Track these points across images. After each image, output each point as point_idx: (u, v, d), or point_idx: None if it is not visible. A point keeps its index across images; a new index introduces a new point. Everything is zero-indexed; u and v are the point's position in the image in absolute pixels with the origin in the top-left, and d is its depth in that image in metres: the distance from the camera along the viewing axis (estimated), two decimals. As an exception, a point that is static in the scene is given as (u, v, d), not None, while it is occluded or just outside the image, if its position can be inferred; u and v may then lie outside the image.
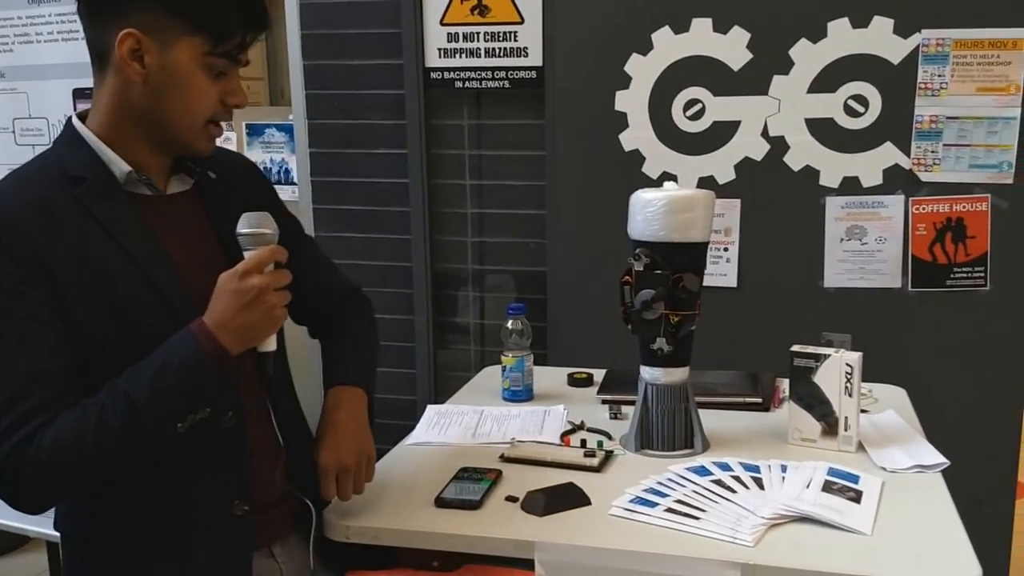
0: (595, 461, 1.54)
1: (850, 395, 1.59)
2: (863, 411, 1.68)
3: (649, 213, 1.55)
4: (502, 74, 2.60)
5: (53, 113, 2.16)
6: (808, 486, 1.43)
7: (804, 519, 1.33)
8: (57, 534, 2.39)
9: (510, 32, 2.58)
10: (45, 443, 1.11)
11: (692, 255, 1.57)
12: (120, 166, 1.24)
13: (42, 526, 2.44)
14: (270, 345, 1.23)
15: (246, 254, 1.20)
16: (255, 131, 3.14)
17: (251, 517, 1.31)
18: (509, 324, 1.91)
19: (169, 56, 1.19)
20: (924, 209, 2.36)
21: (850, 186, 2.39)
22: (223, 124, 1.30)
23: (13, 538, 3.06)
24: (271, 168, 3.00)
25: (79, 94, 2.11)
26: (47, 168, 1.23)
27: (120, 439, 1.13)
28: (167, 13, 1.18)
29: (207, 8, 1.19)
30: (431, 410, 1.84)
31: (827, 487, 1.42)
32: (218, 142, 1.32)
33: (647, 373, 1.61)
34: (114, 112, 1.23)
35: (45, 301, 1.15)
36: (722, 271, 2.50)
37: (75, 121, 1.26)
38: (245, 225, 1.21)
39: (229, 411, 1.28)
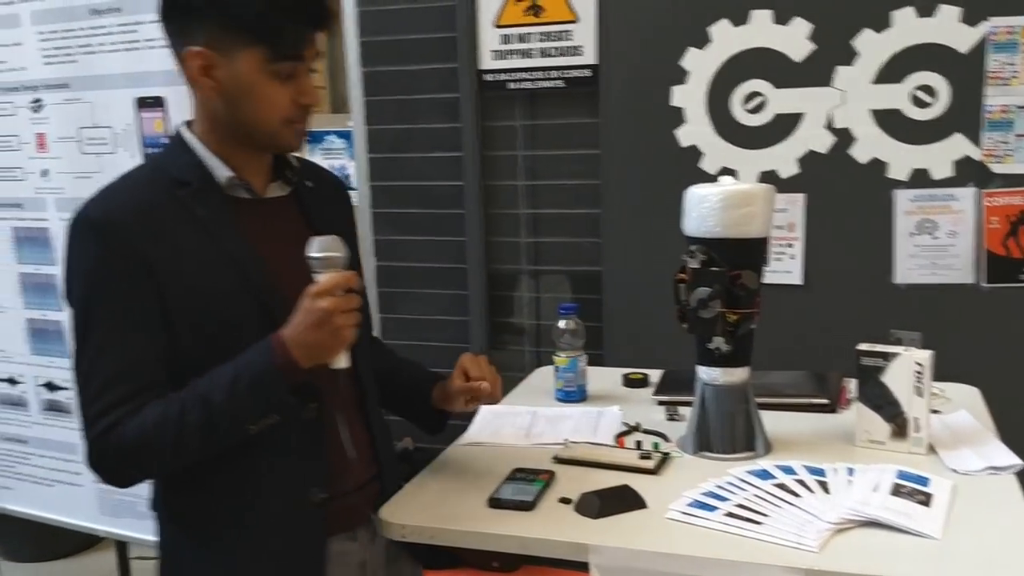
0: (651, 463, 1.51)
1: (920, 395, 1.53)
2: (934, 411, 1.62)
3: (704, 209, 1.51)
4: (556, 73, 2.59)
5: (117, 122, 2.20)
6: (876, 489, 1.37)
7: (871, 523, 1.28)
8: (126, 533, 2.46)
9: (564, 31, 2.56)
10: (129, 432, 1.20)
11: (750, 251, 1.53)
12: (222, 171, 1.31)
13: (112, 526, 2.50)
14: (341, 363, 1.27)
15: (316, 276, 1.24)
16: (315, 138, 3.18)
17: (329, 504, 1.36)
18: (561, 324, 1.88)
19: (235, 68, 1.25)
20: (997, 202, 2.27)
21: (920, 179, 2.32)
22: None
23: (85, 538, 3.14)
24: (331, 174, 3.03)
25: (142, 103, 2.15)
26: (155, 171, 1.33)
27: (195, 436, 1.22)
28: (225, 28, 1.23)
29: (260, 19, 1.23)
30: (484, 410, 1.82)
31: (896, 490, 1.37)
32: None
33: (704, 373, 1.57)
34: (206, 120, 1.32)
35: (146, 296, 1.23)
36: (787, 268, 2.44)
37: (183, 129, 1.35)
38: (315, 249, 1.25)
39: (312, 403, 1.33)
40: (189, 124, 1.35)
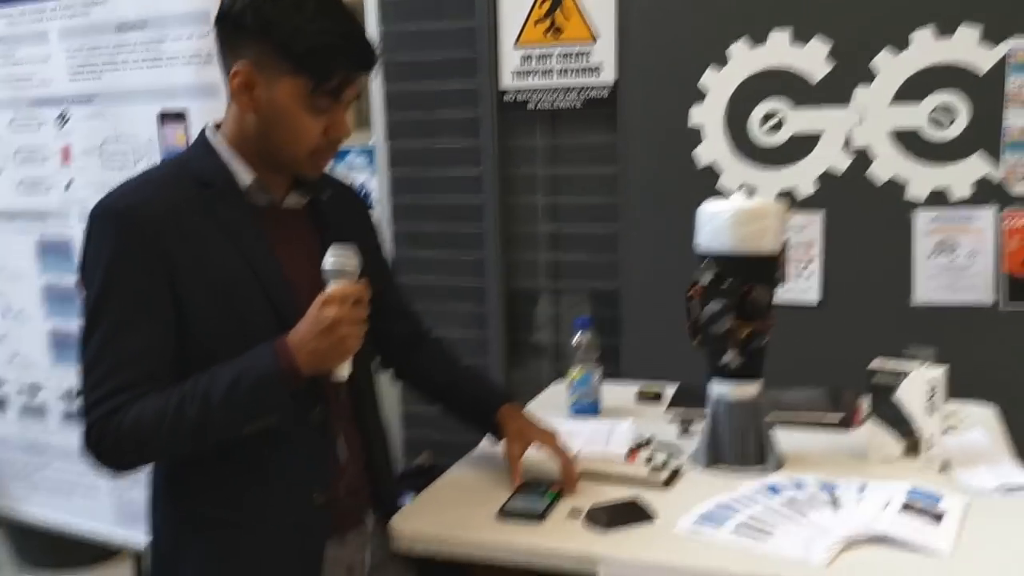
0: (662, 477, 1.51)
1: (933, 412, 1.52)
2: (949, 429, 1.60)
3: (716, 224, 1.52)
4: (575, 93, 2.60)
5: (140, 136, 2.23)
6: (887, 506, 1.37)
7: (881, 540, 1.27)
8: (143, 542, 2.46)
9: (583, 51, 2.58)
10: (128, 419, 1.22)
11: (762, 267, 1.53)
12: (244, 177, 1.35)
13: (130, 535, 2.51)
14: (342, 374, 1.29)
15: (329, 285, 1.26)
16: (338, 155, 3.21)
17: (328, 507, 1.37)
18: (576, 338, 1.89)
19: (275, 93, 1.28)
20: (1017, 223, 2.25)
21: (938, 199, 2.30)
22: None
23: (102, 549, 3.16)
24: (353, 191, 3.06)
25: (164, 117, 2.19)
26: (180, 170, 1.35)
27: (191, 429, 1.23)
28: (274, 53, 1.26)
29: (309, 51, 1.25)
30: (498, 424, 1.82)
31: (907, 507, 1.36)
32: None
33: (716, 388, 1.57)
34: (236, 130, 1.35)
35: (160, 290, 1.26)
36: (803, 287, 2.43)
37: (209, 132, 1.37)
38: (329, 259, 1.27)
39: (317, 406, 1.35)
40: (216, 127, 1.38)
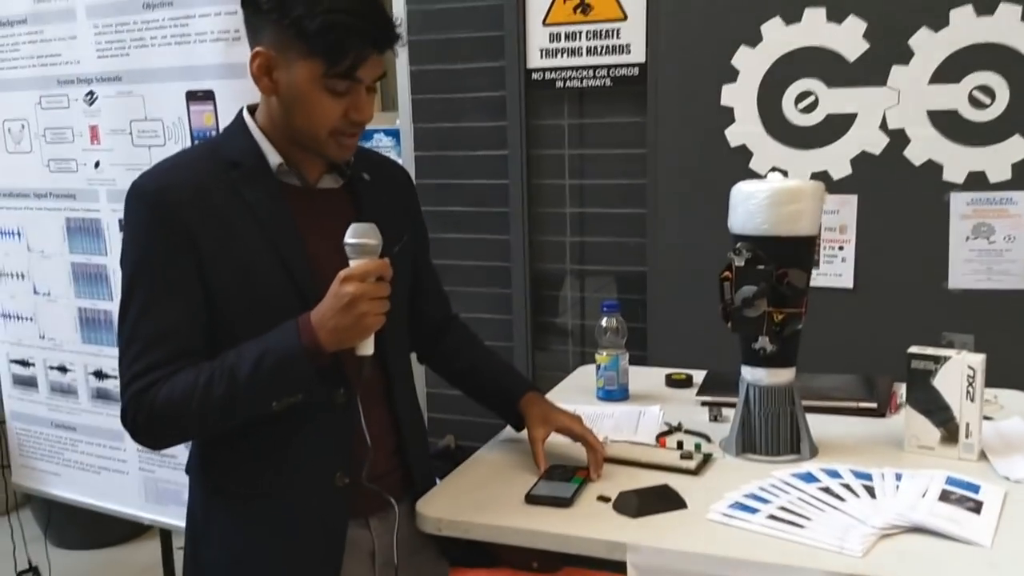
0: (692, 464, 1.48)
1: (972, 400, 1.49)
2: (987, 418, 1.57)
3: (752, 205, 1.48)
4: (604, 72, 2.57)
5: (168, 115, 2.22)
6: (924, 495, 1.34)
7: (918, 530, 1.25)
8: (170, 521, 2.49)
9: (613, 29, 2.55)
10: (160, 396, 1.26)
11: (798, 250, 1.50)
12: (274, 157, 1.35)
13: (156, 514, 2.54)
14: (366, 349, 1.28)
15: (351, 262, 1.25)
16: (364, 136, 3.19)
17: (351, 489, 1.37)
18: (603, 322, 1.87)
19: (293, 76, 1.27)
20: (1057, 205, 2.20)
21: (976, 181, 2.25)
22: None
23: (131, 527, 3.20)
24: (378, 172, 3.05)
25: (191, 96, 2.18)
26: (211, 152, 1.39)
27: (219, 406, 1.26)
28: (288, 36, 1.26)
29: (319, 32, 1.24)
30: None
31: (944, 496, 1.33)
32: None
33: (749, 374, 1.55)
34: (265, 113, 1.36)
35: (189, 269, 1.29)
36: (837, 271, 2.39)
37: (245, 113, 1.39)
38: (350, 235, 1.26)
39: (340, 388, 1.35)
40: (252, 109, 1.39)
